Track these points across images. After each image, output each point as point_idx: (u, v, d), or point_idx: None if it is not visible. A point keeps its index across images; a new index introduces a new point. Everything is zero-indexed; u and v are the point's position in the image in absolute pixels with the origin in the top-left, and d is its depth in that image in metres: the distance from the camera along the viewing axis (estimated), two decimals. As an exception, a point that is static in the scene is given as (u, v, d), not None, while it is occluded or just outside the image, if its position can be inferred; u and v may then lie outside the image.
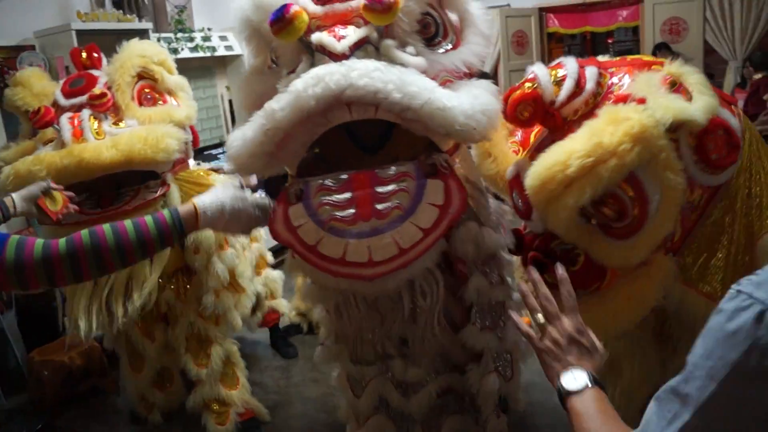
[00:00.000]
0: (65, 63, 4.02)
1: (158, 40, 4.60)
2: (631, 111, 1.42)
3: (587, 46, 8.60)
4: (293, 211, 1.65)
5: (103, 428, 3.15)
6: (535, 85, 1.58)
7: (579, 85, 1.58)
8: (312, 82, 1.49)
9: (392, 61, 1.57)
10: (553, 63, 1.68)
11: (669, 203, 1.48)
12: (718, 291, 1.65)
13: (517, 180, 1.66)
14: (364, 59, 1.54)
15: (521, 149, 1.84)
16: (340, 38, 1.58)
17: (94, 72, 2.62)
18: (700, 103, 1.48)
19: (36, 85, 2.54)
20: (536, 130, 1.81)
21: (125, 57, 2.60)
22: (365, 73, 1.47)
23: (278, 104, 1.53)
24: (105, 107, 2.45)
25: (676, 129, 1.45)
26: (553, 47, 7.44)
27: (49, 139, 2.43)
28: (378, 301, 1.85)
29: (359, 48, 1.58)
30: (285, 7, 1.55)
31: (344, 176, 1.63)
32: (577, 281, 1.62)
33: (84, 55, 2.69)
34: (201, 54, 4.96)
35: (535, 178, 1.47)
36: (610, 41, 8.62)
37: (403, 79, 1.48)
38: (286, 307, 3.61)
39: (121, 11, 4.43)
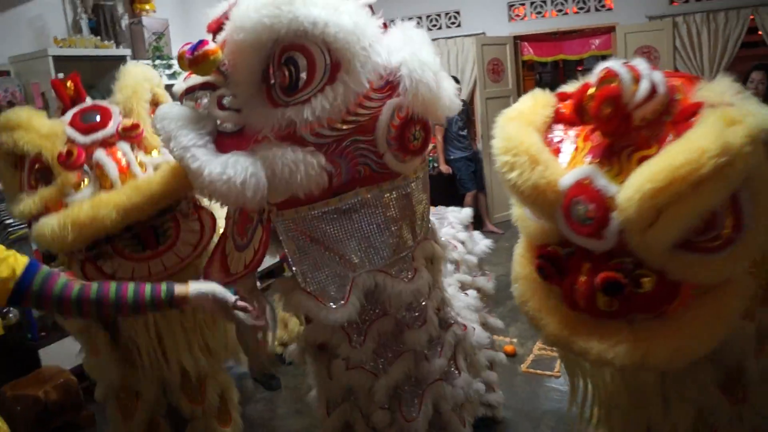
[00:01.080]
0: (41, 90, 3.95)
1: (136, 66, 4.56)
2: (741, 114, 1.36)
3: (559, 74, 8.75)
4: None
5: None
6: (616, 82, 1.49)
7: (653, 89, 1.50)
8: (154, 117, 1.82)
9: (209, 110, 1.78)
10: (622, 62, 1.58)
11: (765, 212, 1.43)
12: (753, 309, 1.59)
13: (582, 187, 1.53)
14: (183, 104, 1.81)
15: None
16: (186, 79, 1.83)
17: (99, 102, 2.47)
18: None
19: (42, 126, 2.27)
20: (575, 134, 1.70)
21: (135, 83, 2.43)
22: (161, 119, 1.74)
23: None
24: (139, 138, 2.34)
25: None
26: (525, 75, 7.54)
27: (75, 184, 2.23)
28: None
29: (200, 90, 1.80)
30: (201, 43, 1.71)
31: None
32: (644, 305, 1.53)
33: (69, 84, 2.48)
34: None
35: (657, 178, 1.35)
36: (579, 69, 8.78)
37: (173, 132, 1.68)
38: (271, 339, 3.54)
39: (98, 37, 4.38)
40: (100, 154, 2.24)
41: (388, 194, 1.85)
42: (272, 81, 1.71)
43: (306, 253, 1.80)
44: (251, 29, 1.62)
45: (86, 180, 2.25)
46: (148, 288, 1.57)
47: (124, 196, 2.14)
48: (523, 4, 7.01)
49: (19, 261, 1.47)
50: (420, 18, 7.33)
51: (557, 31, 7.06)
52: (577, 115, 1.60)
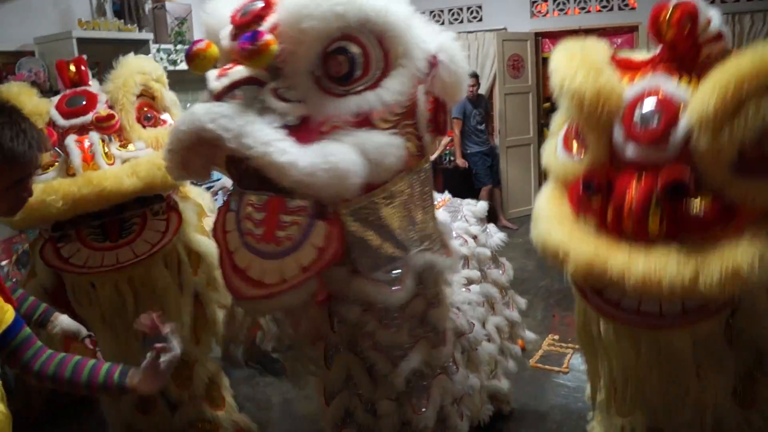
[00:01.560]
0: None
1: (158, 50, 4.61)
2: None
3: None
4: (228, 217, 1.80)
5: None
6: (694, 5, 1.49)
7: (720, 32, 1.52)
8: (182, 119, 1.64)
9: (267, 105, 1.64)
10: None
11: None
12: None
13: (649, 95, 1.53)
14: (229, 103, 1.61)
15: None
16: (221, 77, 1.67)
17: (91, 89, 2.49)
18: None
19: (27, 103, 2.28)
20: (632, 75, 1.66)
21: (126, 74, 2.45)
22: (214, 119, 1.55)
23: (168, 142, 1.71)
24: (112, 129, 2.36)
25: None
26: (545, 72, 7.49)
27: (47, 164, 2.28)
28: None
29: (237, 88, 1.64)
30: (193, 44, 1.68)
31: (265, 197, 1.72)
32: (697, 225, 1.49)
33: (72, 68, 2.52)
34: (200, 66, 4.96)
35: (745, 68, 1.35)
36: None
37: (244, 129, 1.53)
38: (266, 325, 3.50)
39: (122, 21, 4.43)
40: (70, 140, 2.28)
41: (423, 174, 1.89)
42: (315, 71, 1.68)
43: (363, 239, 1.79)
44: (321, 17, 1.58)
45: (56, 163, 2.29)
46: (102, 372, 1.54)
47: (74, 186, 2.16)
48: (545, 1, 6.97)
49: (5, 319, 1.49)
50: (441, 11, 7.32)
51: (579, 29, 7.01)
52: (654, 30, 1.58)
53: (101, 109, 2.37)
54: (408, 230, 1.86)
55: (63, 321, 1.91)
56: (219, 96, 1.65)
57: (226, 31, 1.74)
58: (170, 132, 1.71)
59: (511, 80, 6.93)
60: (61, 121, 2.34)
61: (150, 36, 4.53)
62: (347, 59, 1.66)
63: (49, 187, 2.15)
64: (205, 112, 1.57)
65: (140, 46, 4.47)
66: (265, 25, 1.64)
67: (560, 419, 3.02)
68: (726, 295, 1.44)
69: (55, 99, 2.44)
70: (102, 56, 4.35)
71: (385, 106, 1.68)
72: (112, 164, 2.30)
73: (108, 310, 2.40)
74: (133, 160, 2.31)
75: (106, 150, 2.32)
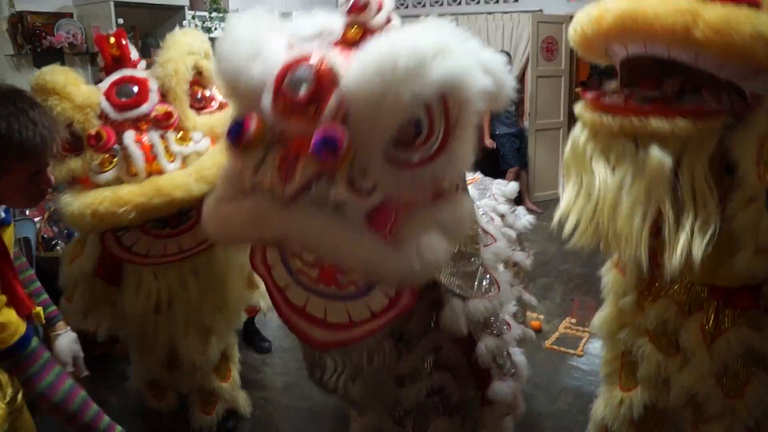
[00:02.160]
0: (101, 33, 4.07)
1: (193, 17, 4.65)
2: None
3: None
4: (270, 251, 1.69)
5: (113, 395, 3.19)
6: None
7: None
8: (249, 222, 1.46)
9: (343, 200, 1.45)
10: None
11: None
12: None
13: None
14: (307, 209, 1.41)
15: None
16: (288, 177, 1.42)
17: (139, 74, 2.41)
18: None
19: (77, 95, 2.23)
20: None
21: (177, 58, 2.36)
22: (299, 232, 1.42)
23: (221, 227, 1.54)
24: (172, 127, 2.32)
25: None
26: (579, 55, 7.40)
27: (105, 161, 2.23)
28: None
29: (308, 187, 1.42)
30: (242, 125, 1.43)
31: None
32: None
33: (113, 41, 2.42)
34: (233, 35, 5.00)
35: None
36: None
37: (341, 247, 1.41)
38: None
39: (159, -14, 4.47)
40: (129, 140, 2.23)
41: None
42: None
43: (460, 261, 1.81)
44: (406, 106, 1.38)
45: (114, 160, 2.24)
46: (106, 419, 1.50)
47: (144, 197, 2.15)
48: (584, -17, 6.86)
49: (18, 331, 1.44)
50: (478, -10, 7.25)
51: (617, 13, 6.91)
52: None
53: (158, 107, 2.31)
54: (468, 240, 1.86)
55: (60, 343, 1.80)
56: (292, 199, 1.42)
57: (267, 100, 1.46)
58: (235, 231, 1.52)
59: (544, 63, 6.86)
60: (114, 114, 2.27)
61: (186, 2, 4.57)
62: (412, 122, 1.47)
63: (118, 199, 2.13)
64: (284, 224, 1.42)
65: (176, 12, 4.53)
66: (331, 106, 1.41)
67: (571, 401, 3.05)
68: (719, 47, 1.45)
69: (104, 85, 2.36)
70: (139, 20, 4.43)
71: (459, 173, 1.61)
72: (173, 161, 2.28)
73: (165, 297, 2.45)
74: (197, 162, 2.30)
75: (166, 145, 2.29)
